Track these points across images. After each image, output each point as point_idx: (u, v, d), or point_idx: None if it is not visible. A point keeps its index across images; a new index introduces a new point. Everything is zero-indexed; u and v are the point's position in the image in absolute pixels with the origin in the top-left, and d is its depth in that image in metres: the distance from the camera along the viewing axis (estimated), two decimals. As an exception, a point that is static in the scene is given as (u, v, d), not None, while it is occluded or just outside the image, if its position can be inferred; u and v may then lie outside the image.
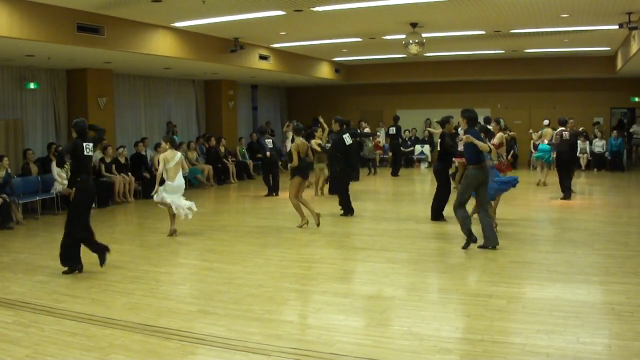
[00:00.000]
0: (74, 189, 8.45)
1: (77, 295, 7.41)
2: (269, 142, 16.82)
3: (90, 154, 8.67)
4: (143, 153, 16.76)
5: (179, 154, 11.02)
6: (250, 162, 20.71)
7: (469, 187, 9.34)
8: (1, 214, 12.13)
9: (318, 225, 11.35)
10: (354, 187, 15.33)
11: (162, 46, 13.98)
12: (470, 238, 9.28)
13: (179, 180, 10.93)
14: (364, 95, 26.17)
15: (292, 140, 12.12)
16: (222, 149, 19.78)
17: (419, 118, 24.92)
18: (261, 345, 5.62)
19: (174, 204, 10.81)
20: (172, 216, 10.96)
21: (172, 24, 13.82)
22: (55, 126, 16.07)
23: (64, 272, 8.33)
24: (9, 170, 12.87)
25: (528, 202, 14.52)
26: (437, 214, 11.91)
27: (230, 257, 9.42)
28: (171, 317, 6.49)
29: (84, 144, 8.54)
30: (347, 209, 12.76)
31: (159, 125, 19.64)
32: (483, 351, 5.35)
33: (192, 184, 18.26)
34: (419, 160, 24.33)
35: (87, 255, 8.63)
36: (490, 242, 9.26)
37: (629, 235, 10.54)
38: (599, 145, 21.73)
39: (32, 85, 15.27)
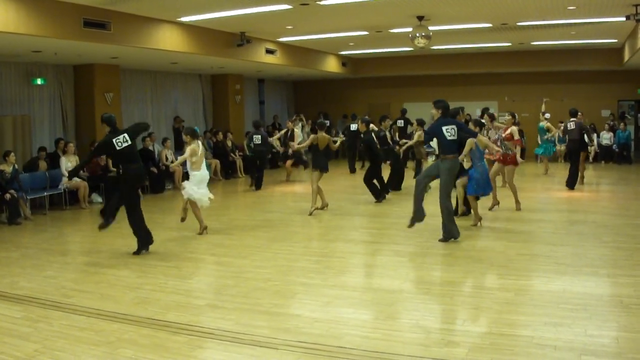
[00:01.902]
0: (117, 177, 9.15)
1: (85, 290, 7.44)
2: (257, 137, 16.92)
3: (127, 144, 8.89)
4: (150, 148, 16.77)
5: (200, 144, 10.85)
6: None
7: (452, 177, 9.48)
8: (9, 210, 12.19)
9: (310, 214, 12.07)
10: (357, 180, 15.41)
11: (168, 41, 13.99)
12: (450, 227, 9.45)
13: (205, 170, 10.75)
14: (371, 89, 26.13)
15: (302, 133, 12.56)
16: (228, 143, 19.80)
17: (427, 111, 24.84)
18: (269, 338, 5.63)
19: (199, 197, 10.51)
20: (198, 211, 10.66)
21: (179, 19, 13.82)
22: (63, 122, 16.11)
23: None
24: (17, 166, 12.92)
25: (535, 194, 14.49)
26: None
27: (238, 251, 9.43)
28: (179, 312, 6.51)
29: (114, 140, 8.76)
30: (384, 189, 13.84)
31: (166, 120, 19.67)
32: (490, 344, 5.35)
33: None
34: (427, 154, 24.22)
35: (95, 248, 8.64)
36: (450, 234, 9.42)
37: (638, 227, 10.49)
38: (606, 137, 21.66)
39: (39, 81, 15.31)
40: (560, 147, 21.41)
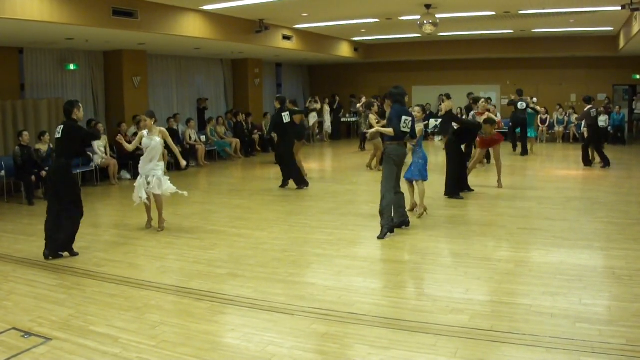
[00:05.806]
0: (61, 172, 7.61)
1: (115, 259, 7.49)
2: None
3: (59, 136, 7.60)
4: (175, 128, 16.79)
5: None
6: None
7: (392, 165, 8.39)
8: (45, 186, 12.26)
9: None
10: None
11: (192, 28, 13.91)
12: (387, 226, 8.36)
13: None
14: (381, 72, 25.92)
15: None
16: (244, 123, 19.75)
17: (433, 94, 24.71)
18: (285, 305, 5.66)
19: (162, 189, 9.23)
20: (149, 207, 9.34)
21: (202, 7, 13.73)
22: (94, 104, 16.14)
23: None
24: (52, 145, 12.97)
25: (535, 173, 14.41)
26: (451, 190, 11.14)
27: (257, 224, 9.45)
28: (202, 280, 6.54)
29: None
30: (299, 181, 12.61)
31: (190, 102, 19.66)
32: (492, 311, 5.35)
33: (221, 157, 18.40)
34: (433, 134, 24.11)
35: (124, 222, 8.66)
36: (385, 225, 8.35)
37: (630, 204, 10.41)
38: (602, 120, 21.35)
39: (72, 67, 15.32)
40: (559, 129, 21.27)
